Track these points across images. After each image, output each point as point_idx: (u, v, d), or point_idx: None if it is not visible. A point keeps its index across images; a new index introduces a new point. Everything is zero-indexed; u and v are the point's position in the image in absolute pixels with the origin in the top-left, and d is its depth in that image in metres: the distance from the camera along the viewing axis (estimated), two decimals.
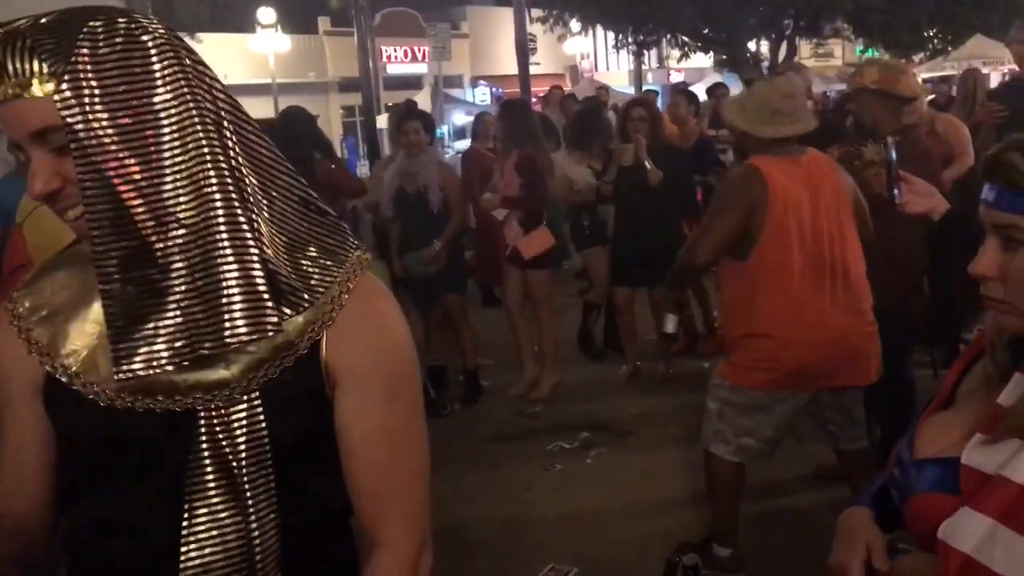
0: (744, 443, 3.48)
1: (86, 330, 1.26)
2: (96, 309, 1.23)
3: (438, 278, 5.78)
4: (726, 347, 3.63)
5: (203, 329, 1.16)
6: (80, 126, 1.11)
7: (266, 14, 25.20)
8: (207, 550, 1.22)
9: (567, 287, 6.92)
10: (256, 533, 1.23)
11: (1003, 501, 1.21)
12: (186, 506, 1.22)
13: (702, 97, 10.02)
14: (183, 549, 1.21)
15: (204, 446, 1.22)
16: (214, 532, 1.22)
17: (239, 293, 1.16)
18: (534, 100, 14.84)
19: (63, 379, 1.24)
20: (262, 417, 1.23)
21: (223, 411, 1.22)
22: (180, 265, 1.15)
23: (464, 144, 15.12)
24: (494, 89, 27.82)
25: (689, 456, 4.94)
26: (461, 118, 24.03)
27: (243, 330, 1.16)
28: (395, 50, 29.99)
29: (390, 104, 16.70)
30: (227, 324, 1.16)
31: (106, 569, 1.27)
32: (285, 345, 1.23)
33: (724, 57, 23.69)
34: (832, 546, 1.51)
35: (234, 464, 1.22)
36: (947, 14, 20.32)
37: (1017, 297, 1.29)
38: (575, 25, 24.85)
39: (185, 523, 1.22)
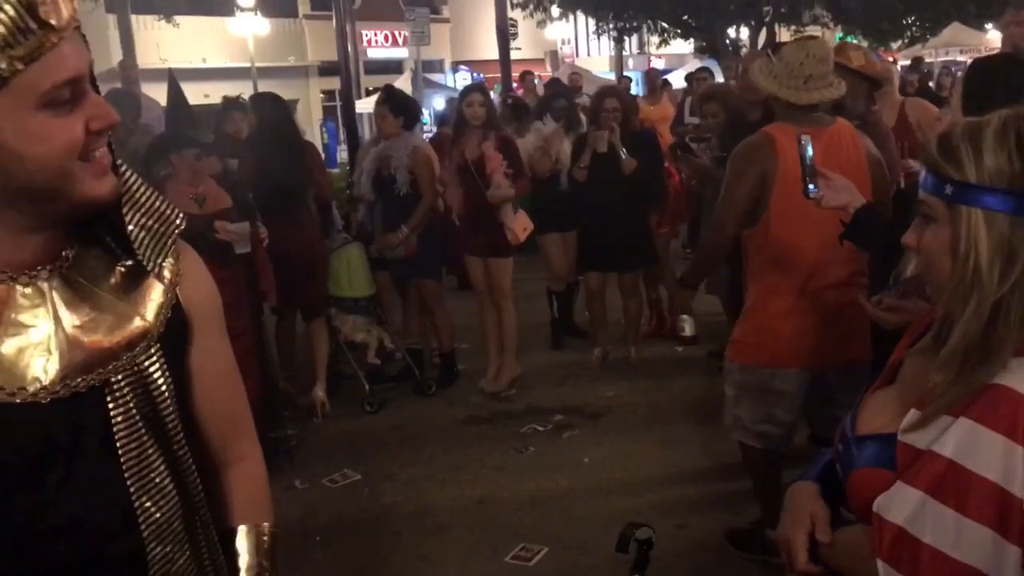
0: (763, 429, 3.53)
1: None
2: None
3: (412, 262, 5.80)
4: (737, 327, 3.64)
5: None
6: None
7: None
8: (161, 503, 1.26)
9: (540, 272, 6.94)
10: (190, 479, 1.30)
11: (932, 475, 1.26)
12: (130, 467, 1.23)
13: (681, 83, 10.05)
14: (144, 508, 1.24)
15: (131, 404, 1.23)
16: (163, 485, 1.27)
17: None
18: (515, 85, 14.81)
19: None
20: (165, 364, 1.28)
21: (143, 363, 1.25)
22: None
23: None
24: (475, 74, 27.72)
25: (660, 438, 5.02)
26: (441, 103, 23.95)
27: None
28: (375, 34, 29.84)
29: (371, 89, 16.65)
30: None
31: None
32: (169, 287, 1.30)
33: (704, 44, 23.74)
34: (779, 520, 1.57)
35: (162, 414, 1.27)
36: (924, 1, 20.43)
37: (929, 268, 1.37)
38: (555, 11, 24.82)
39: (134, 484, 1.23)
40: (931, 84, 11.12)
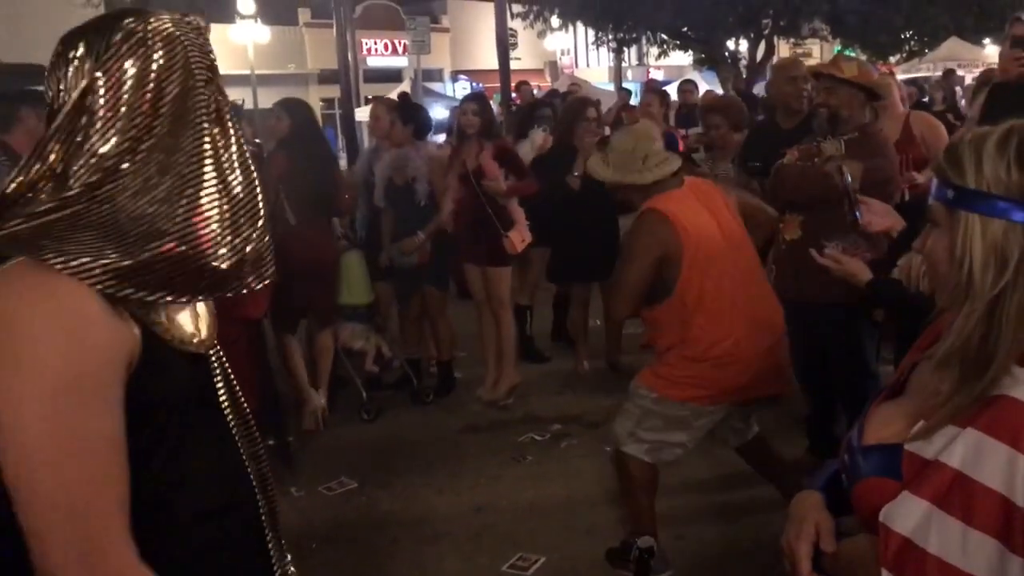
0: (660, 452, 3.56)
1: None
2: None
3: (421, 270, 5.79)
4: (656, 356, 3.63)
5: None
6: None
7: (246, 5, 25.02)
8: (257, 454, 1.46)
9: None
10: (263, 455, 1.47)
11: (939, 485, 1.26)
12: (239, 444, 1.41)
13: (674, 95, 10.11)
14: (253, 455, 1.42)
15: (221, 385, 1.40)
16: (255, 437, 1.46)
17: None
18: (513, 95, 14.83)
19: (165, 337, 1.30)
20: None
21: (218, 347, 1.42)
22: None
23: (443, 138, 15.08)
24: (474, 84, 27.78)
25: None
26: (441, 112, 23.99)
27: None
28: (375, 43, 29.91)
29: (369, 97, 16.66)
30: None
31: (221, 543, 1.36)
32: None
33: (703, 55, 23.80)
34: (783, 529, 1.56)
35: (239, 397, 1.43)
36: (922, 16, 20.51)
37: (933, 272, 1.41)
38: (555, 21, 24.88)
39: (248, 462, 1.41)
40: (925, 100, 11.14)
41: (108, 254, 1.16)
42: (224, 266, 1.25)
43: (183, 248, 1.21)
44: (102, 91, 1.22)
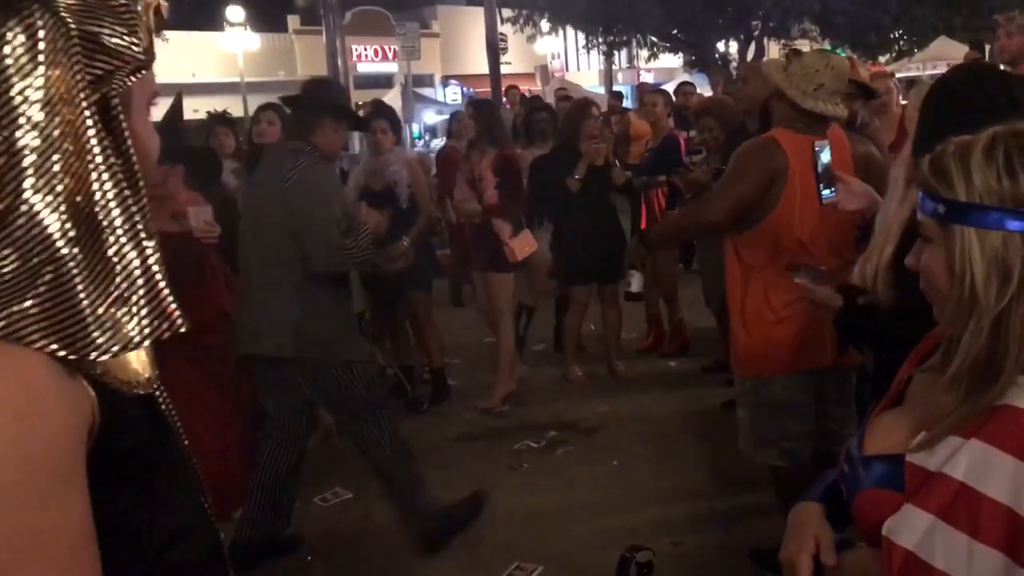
0: (784, 447, 3.48)
1: None
2: None
3: (405, 276, 5.77)
4: (736, 345, 3.56)
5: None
6: None
7: (235, 12, 25.03)
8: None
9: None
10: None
11: (943, 498, 1.24)
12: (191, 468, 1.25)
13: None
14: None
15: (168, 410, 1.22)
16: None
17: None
18: (504, 100, 14.83)
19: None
20: None
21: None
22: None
23: (438, 143, 15.07)
24: (465, 89, 27.80)
25: (655, 453, 4.99)
26: (432, 117, 23.98)
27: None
28: (365, 49, 29.90)
29: (359, 103, 16.65)
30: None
31: None
32: None
33: (693, 58, 23.84)
34: (783, 541, 1.54)
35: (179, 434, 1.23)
36: (911, 16, 20.60)
37: (930, 288, 1.37)
38: (545, 25, 24.91)
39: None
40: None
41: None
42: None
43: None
44: None
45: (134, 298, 1.04)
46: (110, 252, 1.02)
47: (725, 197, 3.37)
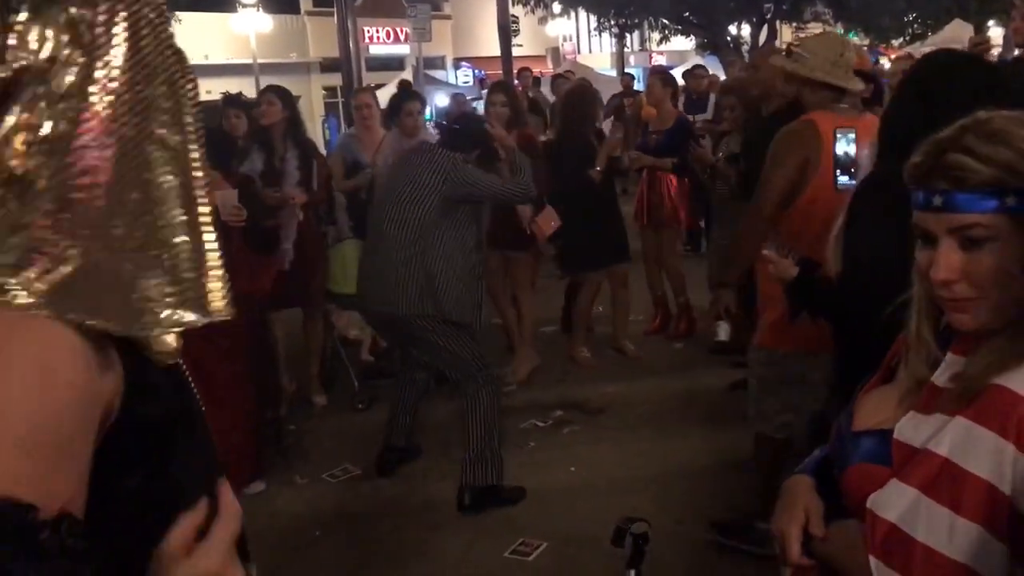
0: (786, 419, 3.51)
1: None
2: None
3: None
4: (763, 315, 3.59)
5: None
6: None
7: None
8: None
9: (545, 268, 6.95)
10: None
11: (927, 473, 1.27)
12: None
13: (680, 81, 10.05)
14: None
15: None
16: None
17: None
18: (515, 82, 14.82)
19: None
20: None
21: None
22: None
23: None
24: (476, 71, 27.72)
25: (660, 434, 5.03)
26: (443, 100, 23.93)
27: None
28: (377, 31, 29.80)
29: (373, 85, 16.63)
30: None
31: None
32: None
33: (705, 41, 23.73)
34: (774, 513, 1.58)
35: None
36: None
37: (990, 290, 1.29)
38: (557, 7, 24.82)
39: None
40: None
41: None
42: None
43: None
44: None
45: (195, 278, 1.10)
46: (170, 232, 1.06)
47: (767, 190, 3.42)
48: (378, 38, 30.08)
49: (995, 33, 17.65)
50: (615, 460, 4.75)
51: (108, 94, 0.98)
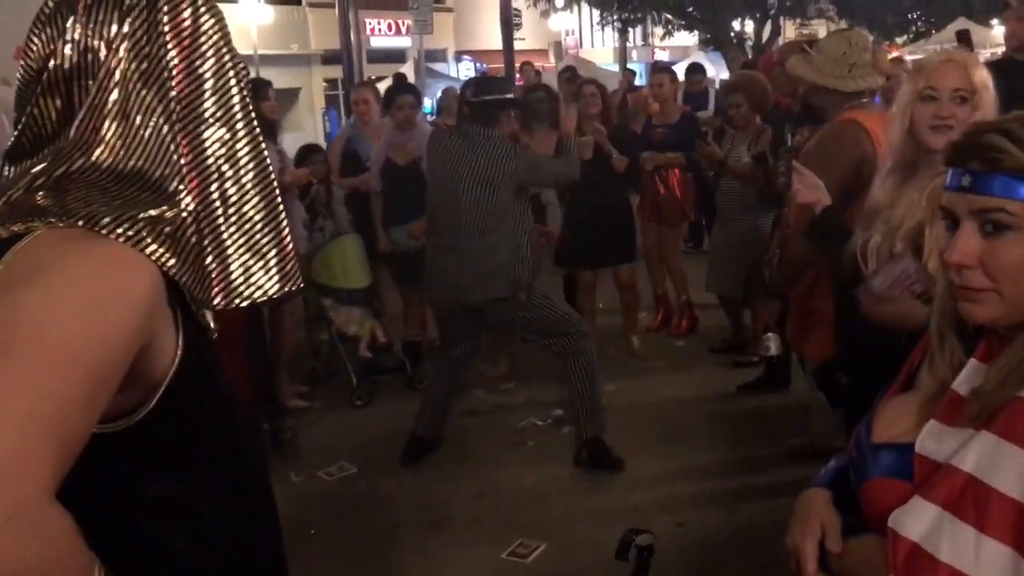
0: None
1: None
2: None
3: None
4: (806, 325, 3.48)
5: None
6: None
7: None
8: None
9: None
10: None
11: (950, 490, 1.21)
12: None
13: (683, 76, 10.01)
14: None
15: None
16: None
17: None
18: (517, 76, 14.74)
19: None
20: None
21: None
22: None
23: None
24: (478, 64, 27.65)
25: (661, 433, 4.98)
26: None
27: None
28: (379, 23, 29.70)
29: (373, 77, 16.55)
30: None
31: None
32: None
33: (708, 36, 23.67)
34: (789, 526, 1.52)
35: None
36: None
37: (1004, 282, 1.25)
38: (559, 1, 24.75)
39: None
40: None
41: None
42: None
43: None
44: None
45: (270, 252, 1.23)
46: (248, 206, 1.21)
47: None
48: (379, 30, 29.99)
49: (999, 32, 17.58)
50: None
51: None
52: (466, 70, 27.64)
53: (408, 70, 18.60)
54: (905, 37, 23.57)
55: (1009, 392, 1.20)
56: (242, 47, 24.16)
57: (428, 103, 13.30)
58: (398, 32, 29.58)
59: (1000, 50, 8.72)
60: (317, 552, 3.93)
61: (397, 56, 27.72)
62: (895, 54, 15.02)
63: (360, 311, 5.74)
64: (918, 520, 1.23)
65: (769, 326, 4.43)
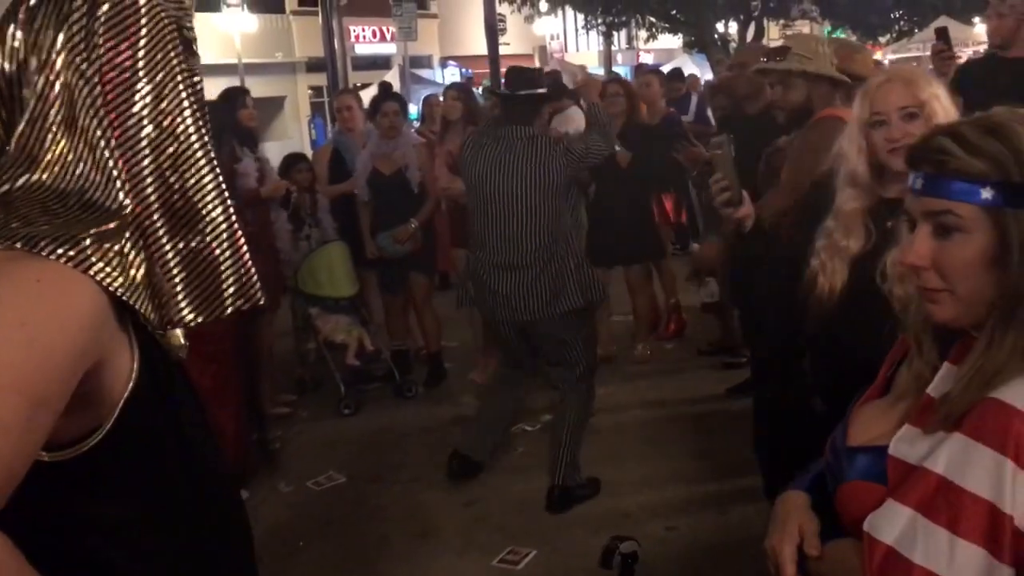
0: None
1: None
2: None
3: (410, 258, 5.79)
4: None
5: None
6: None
7: None
8: None
9: None
10: None
11: (923, 492, 1.22)
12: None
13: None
14: None
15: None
16: None
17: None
18: (503, 81, 14.75)
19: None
20: None
21: None
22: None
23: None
24: (463, 70, 27.64)
25: (651, 438, 4.98)
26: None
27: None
28: (363, 30, 29.68)
29: (358, 85, 16.54)
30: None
31: None
32: None
33: (692, 39, 23.73)
34: (767, 530, 1.52)
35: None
36: None
37: (956, 282, 1.26)
38: (544, 5, 24.78)
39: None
40: None
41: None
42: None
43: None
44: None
45: (225, 266, 1.19)
46: (200, 220, 1.17)
47: (801, 175, 3.23)
48: (364, 37, 29.97)
49: (981, 30, 17.68)
50: (605, 465, 4.67)
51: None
52: (451, 75, 27.61)
53: (393, 77, 18.61)
54: (888, 36, 23.69)
55: (974, 395, 1.22)
56: (226, 56, 24.13)
57: (414, 109, 13.31)
58: (383, 39, 29.57)
59: (983, 48, 8.77)
60: (306, 563, 3.92)
61: (382, 63, 27.70)
62: (878, 54, 15.11)
63: (347, 319, 5.73)
64: (892, 523, 1.23)
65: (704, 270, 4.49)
